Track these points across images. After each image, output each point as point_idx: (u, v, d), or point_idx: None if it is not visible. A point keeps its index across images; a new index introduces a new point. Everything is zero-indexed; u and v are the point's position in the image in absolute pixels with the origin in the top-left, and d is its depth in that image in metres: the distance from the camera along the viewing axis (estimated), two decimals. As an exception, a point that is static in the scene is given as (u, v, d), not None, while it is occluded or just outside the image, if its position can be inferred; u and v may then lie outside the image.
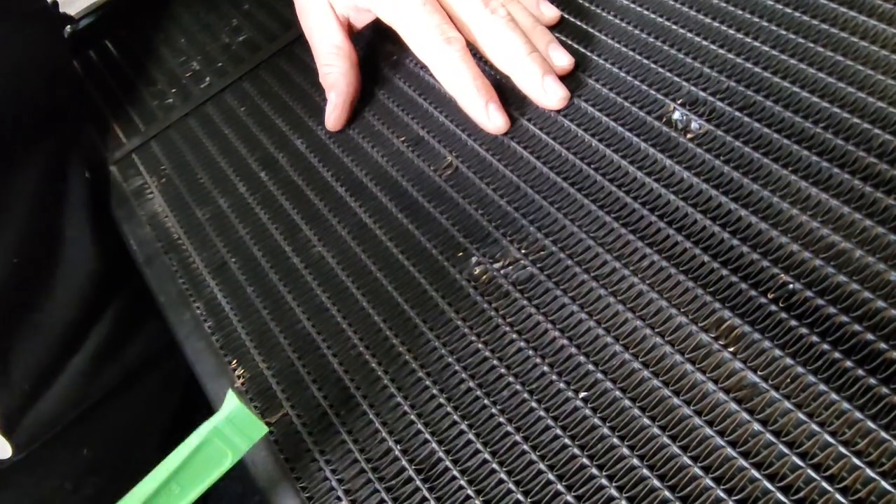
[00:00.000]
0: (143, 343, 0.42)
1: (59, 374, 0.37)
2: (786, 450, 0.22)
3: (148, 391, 0.43)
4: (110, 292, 0.40)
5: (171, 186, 0.37)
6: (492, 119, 0.32)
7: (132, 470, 0.40)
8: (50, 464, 0.39)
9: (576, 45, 0.35)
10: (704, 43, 0.32)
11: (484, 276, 0.29)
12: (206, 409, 0.28)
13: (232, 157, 0.38)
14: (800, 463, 0.21)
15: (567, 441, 0.24)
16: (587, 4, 0.36)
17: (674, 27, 0.34)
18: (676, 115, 0.31)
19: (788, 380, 0.23)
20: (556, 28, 0.36)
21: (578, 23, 0.36)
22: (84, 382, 0.39)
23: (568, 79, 0.33)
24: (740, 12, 0.33)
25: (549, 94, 0.32)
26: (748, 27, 0.32)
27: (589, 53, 0.34)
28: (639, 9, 0.35)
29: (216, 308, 0.31)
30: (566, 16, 0.36)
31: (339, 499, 0.25)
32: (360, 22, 0.37)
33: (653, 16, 0.34)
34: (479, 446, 0.25)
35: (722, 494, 0.21)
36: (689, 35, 0.33)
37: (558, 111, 0.33)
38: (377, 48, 0.40)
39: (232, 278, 0.33)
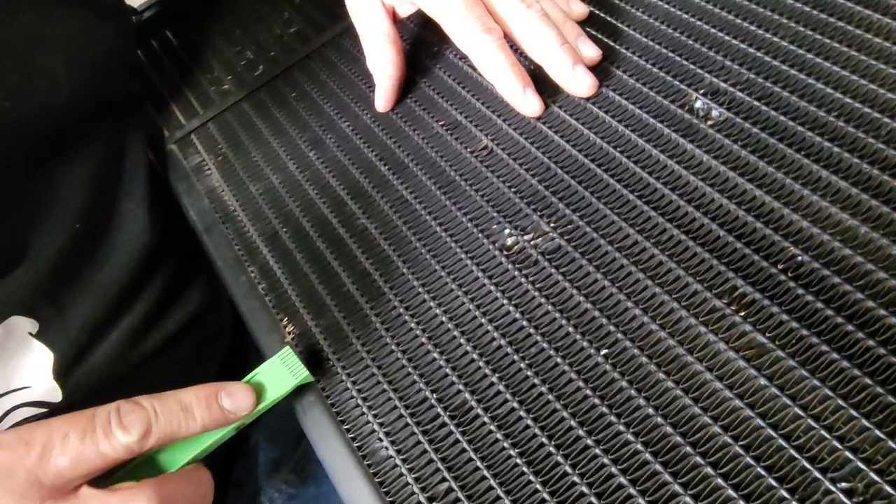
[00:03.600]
0: (189, 307, 0.44)
1: (112, 330, 0.40)
2: (788, 402, 0.24)
3: (192, 347, 0.45)
4: (160, 259, 0.42)
5: (228, 164, 0.40)
6: (529, 102, 0.35)
7: None
8: None
9: (605, 39, 0.37)
10: (726, 38, 0.35)
11: (515, 247, 0.31)
12: (251, 361, 0.31)
13: (283, 137, 0.41)
14: (800, 413, 0.23)
15: (588, 392, 0.26)
16: (617, 1, 0.39)
17: (698, 23, 0.36)
18: (698, 104, 0.33)
19: (794, 341, 0.25)
20: (587, 23, 0.38)
21: (608, 18, 0.38)
22: (134, 341, 0.41)
23: (596, 69, 0.36)
24: (761, 9, 0.35)
25: (578, 82, 0.34)
26: (767, 23, 0.34)
27: (617, 46, 0.37)
28: (665, 5, 0.37)
29: (269, 272, 0.34)
30: (597, 12, 0.39)
31: (380, 440, 0.28)
32: (405, 12, 0.40)
33: (678, 12, 0.37)
34: (508, 396, 0.27)
35: (728, 440, 0.24)
36: (711, 30, 0.35)
37: (587, 98, 0.35)
38: (419, 39, 0.43)
39: (283, 246, 0.36)
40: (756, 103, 0.32)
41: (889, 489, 0.21)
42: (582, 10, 0.38)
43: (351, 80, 0.43)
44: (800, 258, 0.27)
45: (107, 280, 0.39)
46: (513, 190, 0.33)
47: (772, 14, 0.35)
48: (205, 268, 0.44)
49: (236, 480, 0.50)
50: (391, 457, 0.27)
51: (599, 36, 0.38)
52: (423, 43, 0.43)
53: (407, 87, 0.40)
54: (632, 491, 0.24)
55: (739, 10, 0.36)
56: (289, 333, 0.32)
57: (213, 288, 0.46)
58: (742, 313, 0.26)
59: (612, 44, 0.37)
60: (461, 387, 0.28)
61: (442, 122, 0.38)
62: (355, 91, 0.42)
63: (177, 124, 0.44)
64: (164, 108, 0.45)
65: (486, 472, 0.26)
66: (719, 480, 0.23)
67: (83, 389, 0.39)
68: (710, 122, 0.32)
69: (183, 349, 0.44)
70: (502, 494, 0.25)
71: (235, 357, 0.50)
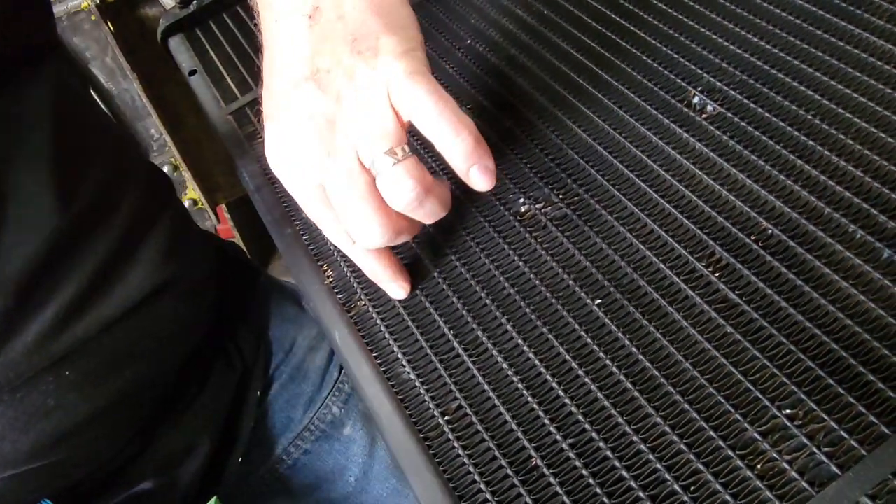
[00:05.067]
0: (129, 290, 0.41)
1: (29, 322, 0.38)
2: (748, 345, 0.28)
3: (140, 333, 0.42)
4: (83, 242, 0.40)
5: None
6: (394, 288, 0.35)
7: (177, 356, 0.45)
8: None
9: (616, 38, 0.42)
10: (724, 43, 0.39)
11: (528, 214, 0.36)
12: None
13: (327, 113, 0.46)
14: (758, 355, 0.28)
15: (582, 333, 0.31)
16: (628, 6, 0.44)
17: (699, 28, 0.41)
18: (696, 100, 0.38)
19: (758, 298, 0.30)
20: (600, 24, 0.43)
21: (620, 20, 0.43)
22: (57, 331, 0.38)
23: (607, 66, 0.41)
24: (756, 19, 0.40)
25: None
26: (761, 32, 0.39)
27: (627, 46, 0.41)
28: (672, 12, 0.42)
29: (312, 226, 0.39)
30: (610, 14, 0.44)
31: (402, 366, 0.33)
32: None
33: (683, 18, 0.41)
34: (514, 335, 0.32)
35: (696, 374, 0.28)
36: (711, 35, 0.40)
37: (597, 90, 0.40)
38: (441, 25, 0.48)
39: (324, 206, 0.41)
40: (746, 101, 0.36)
41: (823, 415, 0.26)
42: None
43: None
44: (770, 231, 0.31)
45: (11, 270, 0.36)
46: (528, 165, 0.38)
47: (766, 24, 0.39)
48: (156, 245, 0.42)
49: (250, 437, 0.52)
50: (412, 380, 0.32)
51: (611, 35, 0.42)
52: (443, 28, 0.47)
53: (437, 68, 0.45)
54: (613, 412, 0.28)
55: (736, 18, 0.40)
56: (328, 278, 0.37)
57: (163, 269, 0.42)
58: (717, 274, 0.31)
59: (622, 43, 0.42)
60: (474, 325, 0.33)
61: (470, 106, 0.42)
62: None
63: (232, 97, 0.49)
64: (220, 82, 0.50)
65: (491, 394, 0.30)
66: (686, 406, 0.28)
67: (8, 379, 0.37)
68: (704, 116, 0.37)
69: (128, 335, 0.41)
70: (504, 412, 0.30)
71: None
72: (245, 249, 1.20)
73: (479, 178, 0.31)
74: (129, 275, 0.41)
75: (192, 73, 0.52)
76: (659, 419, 0.28)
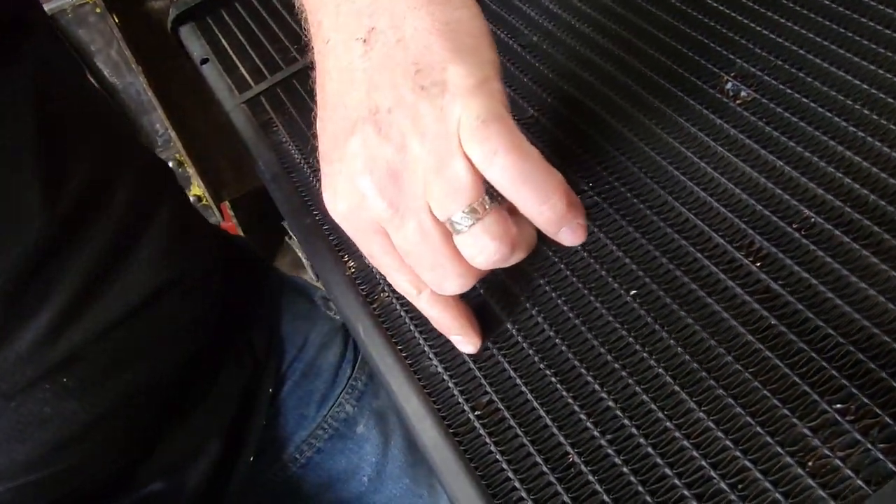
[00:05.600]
0: (129, 294, 0.40)
1: (21, 330, 0.36)
2: (794, 337, 0.27)
3: (145, 333, 0.41)
4: (75, 243, 0.38)
5: (293, 121, 0.44)
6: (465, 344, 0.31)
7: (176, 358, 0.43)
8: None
9: (645, 25, 0.41)
10: (756, 27, 0.38)
11: (556, 202, 0.35)
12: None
13: (344, 102, 0.45)
14: (804, 347, 0.27)
15: (617, 325, 0.30)
16: (659, -8, 0.42)
17: (731, 13, 0.39)
18: (728, 86, 0.36)
19: (804, 288, 0.28)
20: (626, 10, 0.42)
21: (649, 7, 0.42)
22: (53, 337, 0.37)
23: (635, 52, 0.39)
24: (789, 4, 0.38)
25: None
26: (795, 16, 0.38)
27: (656, 32, 0.40)
28: (703, -2, 0.41)
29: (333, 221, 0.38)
30: (641, 1, 0.42)
31: (429, 359, 0.31)
32: None
33: (711, 2, 0.40)
34: (545, 327, 0.31)
35: (739, 367, 0.27)
36: (743, 20, 0.39)
37: (627, 79, 0.39)
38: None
39: (343, 195, 0.39)
40: (781, 87, 0.35)
41: (877, 410, 0.25)
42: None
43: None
44: (812, 219, 0.30)
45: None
46: (555, 154, 0.37)
47: (799, 8, 0.38)
48: (155, 242, 0.40)
49: (262, 435, 0.51)
50: (439, 373, 0.31)
51: (639, 21, 0.41)
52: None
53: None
54: (652, 407, 0.27)
55: (768, 3, 0.39)
56: (350, 269, 0.36)
57: (164, 268, 0.41)
58: (758, 264, 0.30)
59: (650, 29, 0.40)
60: (503, 317, 0.32)
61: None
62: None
63: (246, 87, 0.48)
64: (233, 71, 0.49)
65: (524, 388, 0.29)
66: (730, 401, 0.27)
67: (0, 389, 0.36)
68: (738, 102, 0.36)
69: (128, 339, 0.40)
70: (538, 406, 0.29)
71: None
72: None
73: (570, 236, 0.28)
74: (127, 275, 0.39)
75: (204, 61, 0.51)
76: (702, 414, 0.27)
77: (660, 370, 0.28)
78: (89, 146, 0.41)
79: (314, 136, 0.31)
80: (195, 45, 0.53)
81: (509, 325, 0.31)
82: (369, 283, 0.35)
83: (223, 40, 0.52)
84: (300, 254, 1.19)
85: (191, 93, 1.03)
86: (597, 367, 0.29)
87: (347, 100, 0.28)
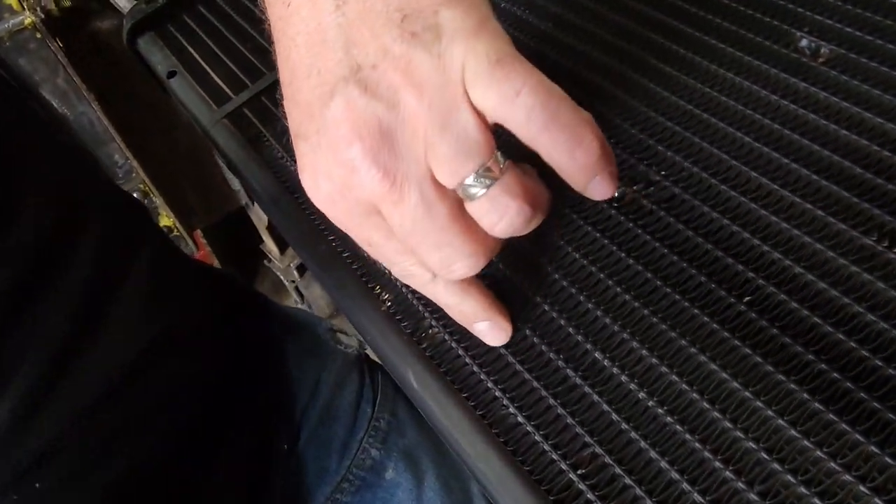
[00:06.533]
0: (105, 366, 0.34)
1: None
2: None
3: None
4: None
5: (287, 133, 0.38)
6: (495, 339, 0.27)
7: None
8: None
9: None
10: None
11: (626, 199, 0.29)
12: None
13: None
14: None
15: (737, 342, 0.24)
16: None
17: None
18: (803, 42, 0.31)
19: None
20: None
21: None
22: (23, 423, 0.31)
23: (698, 24, 0.34)
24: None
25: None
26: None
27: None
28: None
29: (352, 240, 0.32)
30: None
31: (504, 406, 0.25)
32: None
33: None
34: (644, 352, 0.25)
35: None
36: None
37: (684, 49, 0.33)
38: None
39: (361, 214, 0.33)
40: (868, 37, 0.30)
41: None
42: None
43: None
44: (950, 189, 0.25)
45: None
46: (613, 141, 0.31)
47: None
48: (133, 298, 0.35)
49: (282, 490, 0.45)
50: (521, 424, 0.25)
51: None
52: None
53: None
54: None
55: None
56: (385, 303, 0.30)
57: (146, 328, 0.35)
58: (885, 244, 0.24)
59: (696, -10, 0.35)
60: (588, 346, 0.26)
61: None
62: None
63: (225, 98, 0.41)
64: (207, 82, 0.42)
65: (634, 434, 0.23)
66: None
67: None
68: (820, 60, 0.30)
69: (110, 422, 0.34)
70: (656, 455, 0.23)
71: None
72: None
73: (602, 187, 0.23)
74: (103, 342, 0.33)
75: (172, 74, 0.44)
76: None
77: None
78: (42, 184, 0.34)
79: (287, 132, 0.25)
80: (158, 58, 0.46)
81: (598, 356, 0.25)
82: (413, 318, 0.29)
83: (190, 49, 0.45)
84: (282, 277, 1.11)
85: (150, 117, 0.95)
86: (721, 400, 0.23)
87: (321, 64, 0.23)
